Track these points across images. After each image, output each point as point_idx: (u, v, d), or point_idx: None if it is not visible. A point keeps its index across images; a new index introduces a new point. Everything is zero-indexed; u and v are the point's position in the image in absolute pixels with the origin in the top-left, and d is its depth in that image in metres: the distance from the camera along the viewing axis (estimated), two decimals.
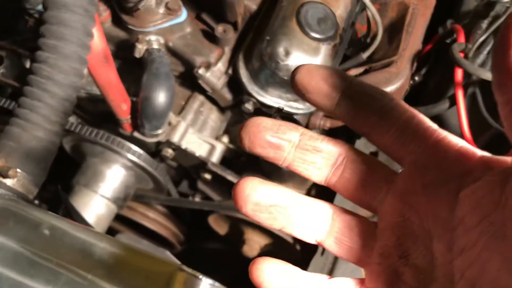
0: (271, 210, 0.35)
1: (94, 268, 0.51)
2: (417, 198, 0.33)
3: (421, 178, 0.33)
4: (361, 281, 0.35)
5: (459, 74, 0.92)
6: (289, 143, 0.34)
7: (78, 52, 0.64)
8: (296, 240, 0.97)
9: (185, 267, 0.51)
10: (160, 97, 0.88)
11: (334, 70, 0.34)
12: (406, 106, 0.33)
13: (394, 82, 0.93)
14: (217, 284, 0.48)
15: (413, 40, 0.99)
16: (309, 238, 0.36)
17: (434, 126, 0.33)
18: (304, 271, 0.35)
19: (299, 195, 0.36)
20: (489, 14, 0.96)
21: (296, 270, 0.35)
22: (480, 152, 0.32)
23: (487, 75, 0.86)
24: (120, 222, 1.25)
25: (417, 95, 1.07)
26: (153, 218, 1.19)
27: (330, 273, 0.87)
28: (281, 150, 0.34)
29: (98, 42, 0.78)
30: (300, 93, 0.34)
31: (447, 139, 0.33)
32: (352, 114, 0.34)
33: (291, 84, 0.34)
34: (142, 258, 0.55)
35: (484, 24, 0.95)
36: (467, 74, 0.91)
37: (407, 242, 0.33)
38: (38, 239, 0.51)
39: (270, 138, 0.34)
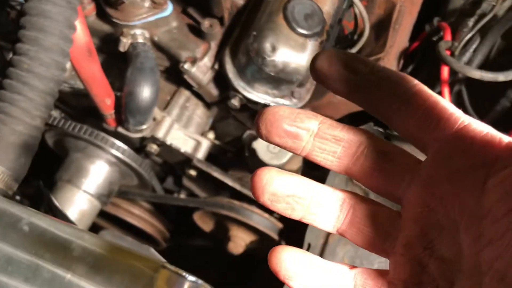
0: (288, 200, 0.34)
1: (75, 266, 0.50)
2: (442, 187, 0.32)
3: (446, 166, 0.32)
4: (384, 272, 0.35)
5: (445, 71, 0.92)
6: (308, 132, 0.33)
7: (60, 45, 0.62)
8: (282, 237, 0.97)
9: (168, 265, 0.50)
10: (145, 92, 0.87)
11: (355, 56, 0.33)
12: (430, 91, 0.32)
13: None
14: (200, 281, 0.47)
15: (400, 37, 0.99)
16: (330, 227, 0.35)
17: (458, 112, 0.32)
18: (325, 261, 0.35)
19: (319, 184, 0.35)
20: (475, 12, 0.97)
21: (317, 259, 0.34)
22: (507, 139, 0.31)
23: (474, 73, 0.86)
24: (105, 218, 1.23)
25: None
26: (138, 215, 1.17)
27: None
28: (299, 140, 0.33)
29: (81, 35, 0.77)
30: (320, 79, 0.33)
31: (472, 125, 0.31)
32: (375, 100, 0.33)
33: (311, 70, 0.33)
34: (125, 256, 0.53)
35: (471, 22, 0.95)
36: (453, 72, 0.92)
37: (432, 232, 0.32)
38: (17, 235, 0.50)
39: (287, 127, 0.33)
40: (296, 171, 0.98)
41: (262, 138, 0.34)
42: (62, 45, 0.63)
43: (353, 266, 0.35)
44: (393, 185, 0.34)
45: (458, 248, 0.31)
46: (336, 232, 0.35)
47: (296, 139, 0.33)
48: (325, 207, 0.35)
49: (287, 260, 0.33)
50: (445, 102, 0.32)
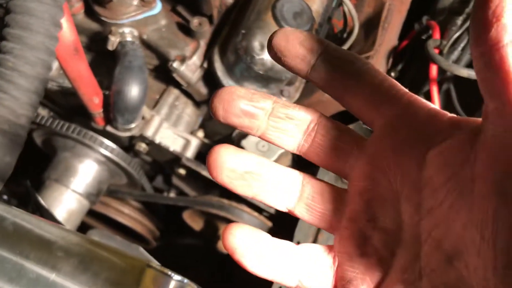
0: (246, 177, 0.34)
1: (59, 266, 0.50)
2: (386, 160, 0.33)
3: (391, 140, 0.33)
4: (329, 247, 0.35)
5: (433, 70, 0.92)
6: (263, 111, 0.34)
7: (46, 43, 0.62)
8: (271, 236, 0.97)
9: (154, 264, 0.50)
10: (133, 91, 0.86)
11: (310, 34, 0.34)
12: (379, 71, 0.33)
13: None
14: (186, 280, 0.47)
15: (389, 36, 0.99)
16: (281, 205, 0.36)
17: (404, 89, 0.33)
18: (274, 238, 0.35)
19: (272, 163, 0.36)
20: (464, 11, 0.97)
21: (266, 236, 0.35)
22: (449, 114, 0.32)
23: (461, 71, 0.86)
24: (94, 217, 1.23)
25: None
26: (128, 214, 1.17)
27: None
28: (255, 119, 0.34)
29: (68, 33, 0.76)
30: (276, 57, 0.34)
31: (417, 101, 0.33)
32: (328, 78, 0.34)
33: (268, 48, 0.34)
34: (110, 255, 0.53)
35: (459, 20, 0.95)
36: (441, 70, 0.92)
37: (376, 205, 0.33)
38: (1, 235, 0.49)
39: (245, 106, 0.34)
40: None
41: (218, 118, 0.34)
42: (48, 43, 0.62)
43: (298, 243, 0.36)
44: (341, 161, 0.35)
45: (399, 219, 0.32)
46: (286, 210, 0.36)
47: (253, 118, 0.34)
48: (278, 185, 0.35)
49: (239, 237, 0.34)
50: (393, 80, 0.33)
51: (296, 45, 0.33)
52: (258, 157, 0.35)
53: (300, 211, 0.36)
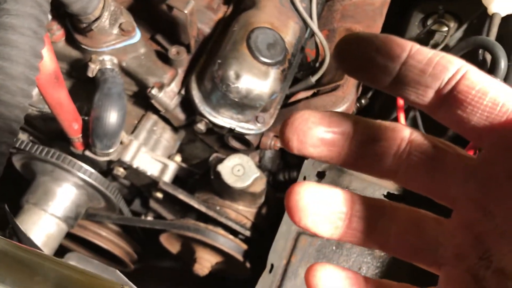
0: (332, 219, 0.30)
1: None
2: (500, 188, 0.27)
3: (505, 163, 0.27)
4: None
5: (401, 99, 0.97)
6: (343, 136, 0.29)
7: (26, 73, 0.64)
8: (246, 258, 0.99)
9: (127, 287, 0.52)
10: (111, 117, 0.89)
11: (387, 38, 0.27)
12: (482, 76, 0.27)
13: (340, 105, 0.97)
14: None
15: None
16: (372, 244, 0.31)
17: None
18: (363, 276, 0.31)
19: (354, 194, 0.31)
20: (429, 42, 1.02)
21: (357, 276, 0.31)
22: None
23: None
24: (73, 240, 1.23)
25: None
26: (105, 237, 1.18)
27: None
28: (336, 147, 0.29)
29: (49, 62, 0.79)
30: (347, 71, 0.28)
31: None
32: (416, 88, 0.28)
33: (335, 60, 0.28)
34: (86, 279, 0.55)
35: None
36: None
37: (489, 240, 0.27)
38: None
39: (323, 134, 0.29)
40: (260, 193, 1.01)
41: (292, 151, 0.29)
42: (28, 74, 0.65)
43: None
44: (443, 186, 0.29)
45: None
46: (378, 249, 0.31)
47: (333, 147, 0.29)
48: (363, 220, 0.30)
49: (325, 279, 0.30)
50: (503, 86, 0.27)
51: (372, 54, 0.27)
52: (340, 191, 0.31)
53: (395, 249, 0.31)
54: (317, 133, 0.29)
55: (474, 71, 0.27)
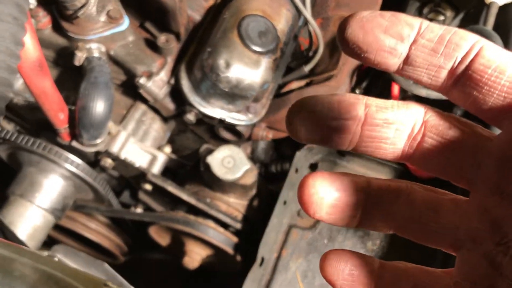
0: (348, 209, 0.29)
1: (15, 286, 0.50)
2: None
3: None
4: (447, 271, 0.30)
5: (395, 89, 0.95)
6: (354, 121, 0.27)
7: (6, 61, 0.62)
8: (237, 251, 0.97)
9: (110, 284, 0.51)
10: (98, 107, 0.86)
11: (394, 16, 0.26)
12: (498, 52, 0.25)
13: None
14: None
15: None
16: (387, 229, 0.30)
17: None
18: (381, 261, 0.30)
19: (368, 179, 0.30)
20: None
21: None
22: None
23: (420, 91, 0.89)
24: (62, 232, 1.21)
25: None
26: (95, 229, 1.16)
27: (268, 284, 0.88)
28: (346, 133, 0.27)
29: (32, 50, 0.76)
30: (354, 55, 0.26)
31: None
32: (428, 69, 0.26)
33: (341, 44, 0.27)
34: (67, 275, 0.53)
35: None
36: (403, 89, 0.94)
37: (506, 227, 0.26)
38: None
39: (333, 122, 0.27)
40: (251, 186, 0.99)
41: (301, 141, 0.28)
42: (9, 62, 0.62)
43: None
44: (458, 167, 0.28)
45: None
46: (393, 232, 0.30)
47: (343, 134, 0.27)
48: (379, 205, 0.29)
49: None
50: None
51: (378, 35, 0.26)
52: (358, 180, 0.29)
53: (410, 231, 0.29)
54: (325, 123, 0.27)
55: (490, 47, 0.25)
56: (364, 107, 0.27)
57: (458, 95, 0.26)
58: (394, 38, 0.26)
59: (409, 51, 0.26)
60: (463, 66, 0.25)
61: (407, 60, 0.26)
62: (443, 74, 0.26)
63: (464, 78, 0.26)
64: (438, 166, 0.28)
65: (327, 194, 0.28)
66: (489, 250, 0.27)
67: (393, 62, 0.26)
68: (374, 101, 0.28)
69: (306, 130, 0.27)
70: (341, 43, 0.26)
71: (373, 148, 0.28)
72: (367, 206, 0.29)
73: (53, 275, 0.52)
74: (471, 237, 0.28)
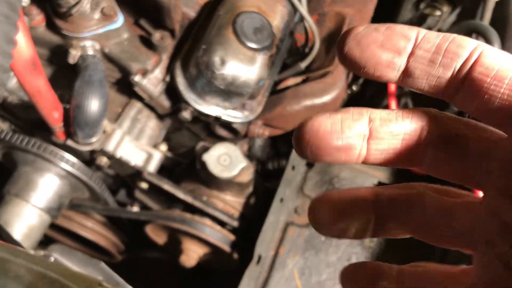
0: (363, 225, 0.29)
1: (10, 286, 0.49)
2: None
3: None
4: (467, 270, 0.30)
5: (392, 85, 0.94)
6: (359, 137, 0.27)
7: None
8: (234, 249, 0.97)
9: (105, 283, 0.50)
10: (93, 105, 0.86)
11: (390, 30, 0.26)
12: (498, 57, 0.25)
13: (330, 92, 0.95)
14: None
15: None
16: (403, 235, 0.30)
17: None
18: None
19: (379, 189, 0.30)
20: (421, 27, 0.99)
21: None
22: None
23: None
24: (59, 231, 1.21)
25: (354, 104, 1.10)
26: (91, 228, 1.16)
27: (265, 282, 0.88)
28: (352, 150, 0.28)
29: (25, 49, 0.76)
30: (354, 69, 0.27)
31: None
32: (428, 79, 0.26)
33: (340, 60, 0.27)
34: (61, 276, 0.53)
35: None
36: (399, 86, 0.94)
37: None
38: None
39: (337, 142, 0.27)
40: (247, 183, 0.98)
41: (308, 160, 0.30)
42: (1, 61, 0.62)
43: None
44: (467, 173, 0.28)
45: None
46: (408, 236, 0.30)
47: (349, 151, 0.28)
48: (393, 216, 0.29)
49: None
50: None
51: (375, 50, 0.26)
52: (368, 192, 0.30)
53: (425, 232, 0.29)
54: (331, 142, 0.28)
55: (489, 53, 0.25)
56: (369, 120, 0.28)
57: (461, 102, 0.26)
58: (390, 52, 0.26)
59: (408, 63, 0.26)
60: (462, 75, 0.25)
61: (406, 72, 0.26)
62: (444, 83, 0.26)
63: (464, 86, 0.25)
64: (446, 172, 0.28)
65: (337, 219, 0.29)
66: (503, 253, 0.27)
67: (392, 75, 0.26)
68: (378, 114, 0.28)
69: (311, 154, 0.28)
70: (341, 61, 0.27)
71: (381, 160, 0.29)
72: (379, 218, 0.29)
73: (48, 276, 0.52)
74: (485, 240, 0.28)
